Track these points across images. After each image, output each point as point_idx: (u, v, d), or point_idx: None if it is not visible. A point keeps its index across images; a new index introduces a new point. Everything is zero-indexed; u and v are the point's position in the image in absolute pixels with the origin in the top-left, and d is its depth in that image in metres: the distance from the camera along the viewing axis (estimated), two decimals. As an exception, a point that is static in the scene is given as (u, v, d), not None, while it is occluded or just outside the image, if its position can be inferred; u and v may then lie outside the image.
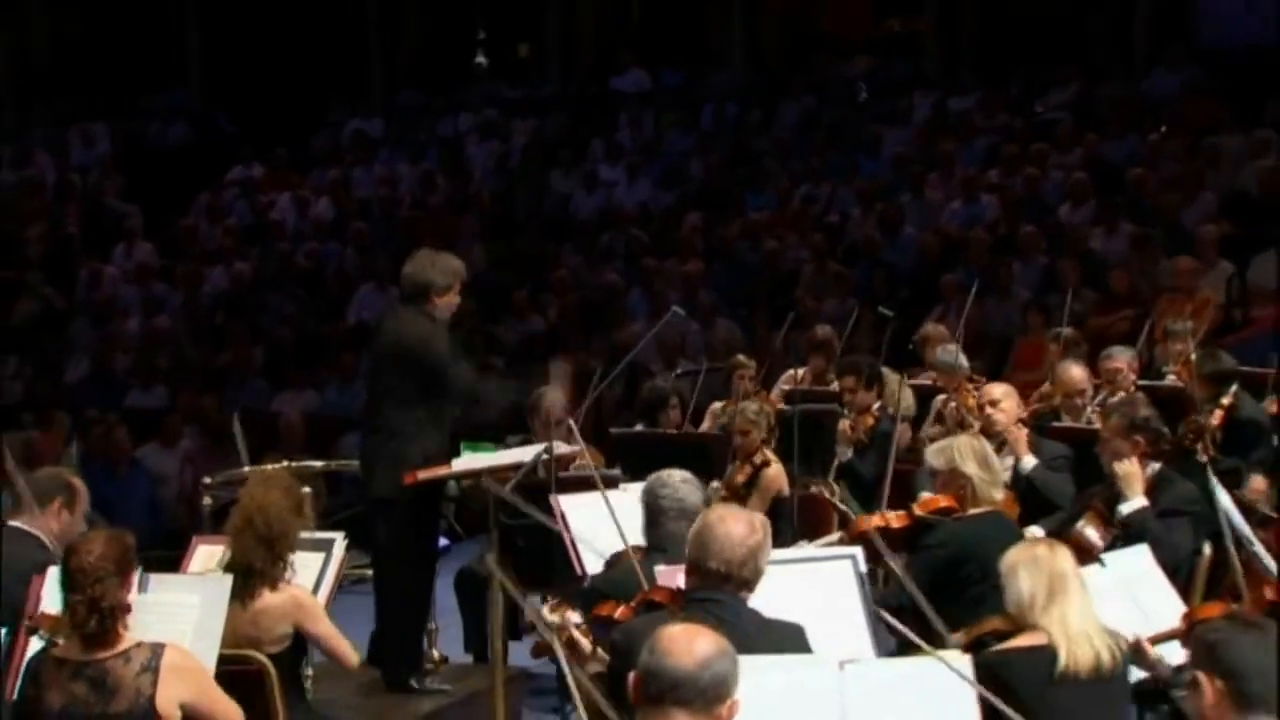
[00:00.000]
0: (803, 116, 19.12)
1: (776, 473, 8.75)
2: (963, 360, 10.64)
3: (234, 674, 5.57)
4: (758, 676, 4.54)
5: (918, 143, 17.74)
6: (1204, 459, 8.16)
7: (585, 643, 5.79)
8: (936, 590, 6.33)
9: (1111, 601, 5.95)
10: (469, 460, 7.88)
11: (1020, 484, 8.29)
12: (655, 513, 6.33)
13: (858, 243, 16.03)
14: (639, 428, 10.15)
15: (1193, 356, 10.62)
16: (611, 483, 7.82)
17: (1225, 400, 9.20)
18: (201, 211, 19.32)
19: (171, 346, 16.23)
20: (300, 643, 6.12)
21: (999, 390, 8.85)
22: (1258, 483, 8.56)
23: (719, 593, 5.01)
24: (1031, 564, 5.32)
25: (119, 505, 11.85)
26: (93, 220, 19.50)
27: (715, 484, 8.60)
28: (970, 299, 11.02)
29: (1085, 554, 6.94)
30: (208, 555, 6.74)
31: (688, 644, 3.99)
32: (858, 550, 6.15)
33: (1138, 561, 6.28)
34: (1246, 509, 7.37)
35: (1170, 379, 10.65)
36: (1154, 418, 7.39)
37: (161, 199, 19.80)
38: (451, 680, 7.78)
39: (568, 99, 20.89)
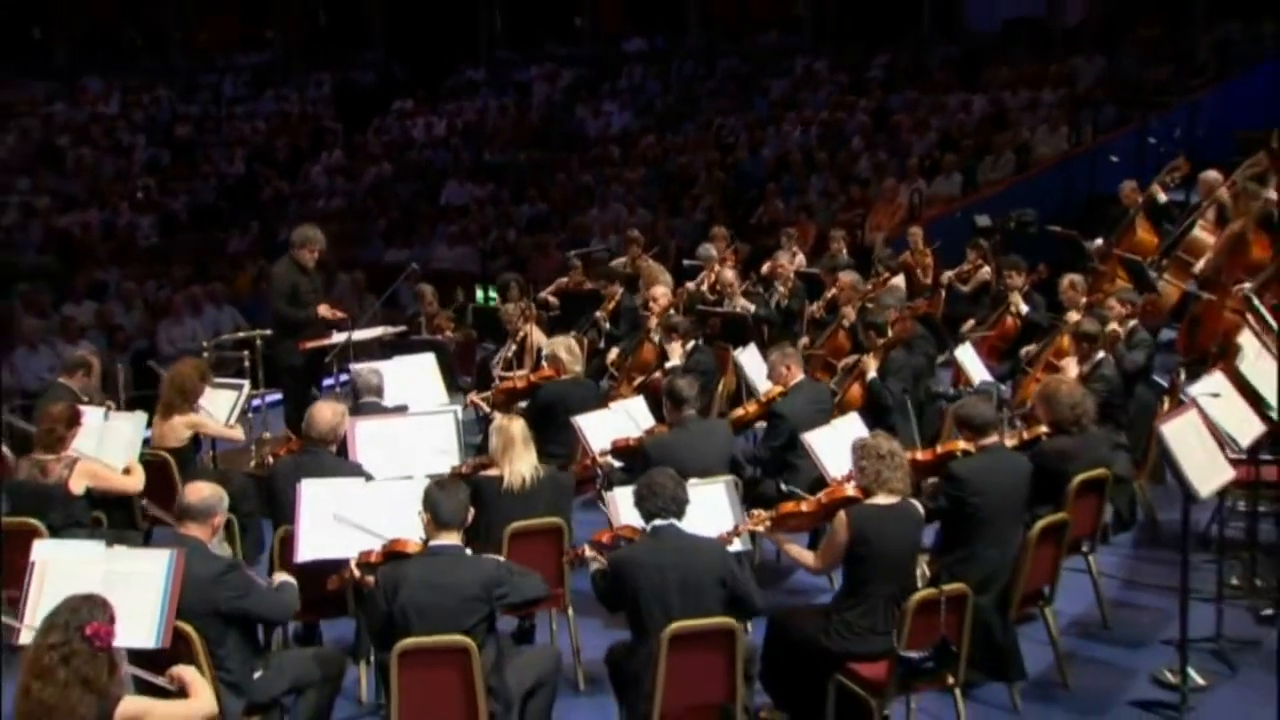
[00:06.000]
0: (729, 71, 19.05)
1: (537, 338, 8.53)
2: (714, 251, 10.76)
3: (153, 462, 6.27)
4: (336, 490, 5.25)
5: (789, 91, 17.72)
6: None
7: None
8: (541, 425, 6.65)
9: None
10: (336, 336, 8.15)
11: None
12: (355, 395, 6.64)
13: (735, 160, 16.17)
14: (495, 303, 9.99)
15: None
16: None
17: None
18: (373, 131, 19.88)
19: (339, 218, 16.72)
20: (196, 441, 6.71)
21: (658, 292, 8.76)
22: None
23: (317, 448, 5.68)
24: (499, 431, 5.61)
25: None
26: (315, 136, 20.06)
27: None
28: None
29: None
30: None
31: (196, 489, 4.63)
32: (457, 408, 6.60)
33: (636, 406, 6.70)
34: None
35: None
36: (685, 321, 7.98)
37: (355, 122, 20.25)
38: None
39: (595, 55, 20.79)
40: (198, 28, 24.24)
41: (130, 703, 3.49)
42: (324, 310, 8.36)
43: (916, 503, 5.00)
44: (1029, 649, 5.41)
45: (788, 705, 5.12)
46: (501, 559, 4.80)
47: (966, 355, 7.74)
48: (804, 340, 9.33)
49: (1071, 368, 7.12)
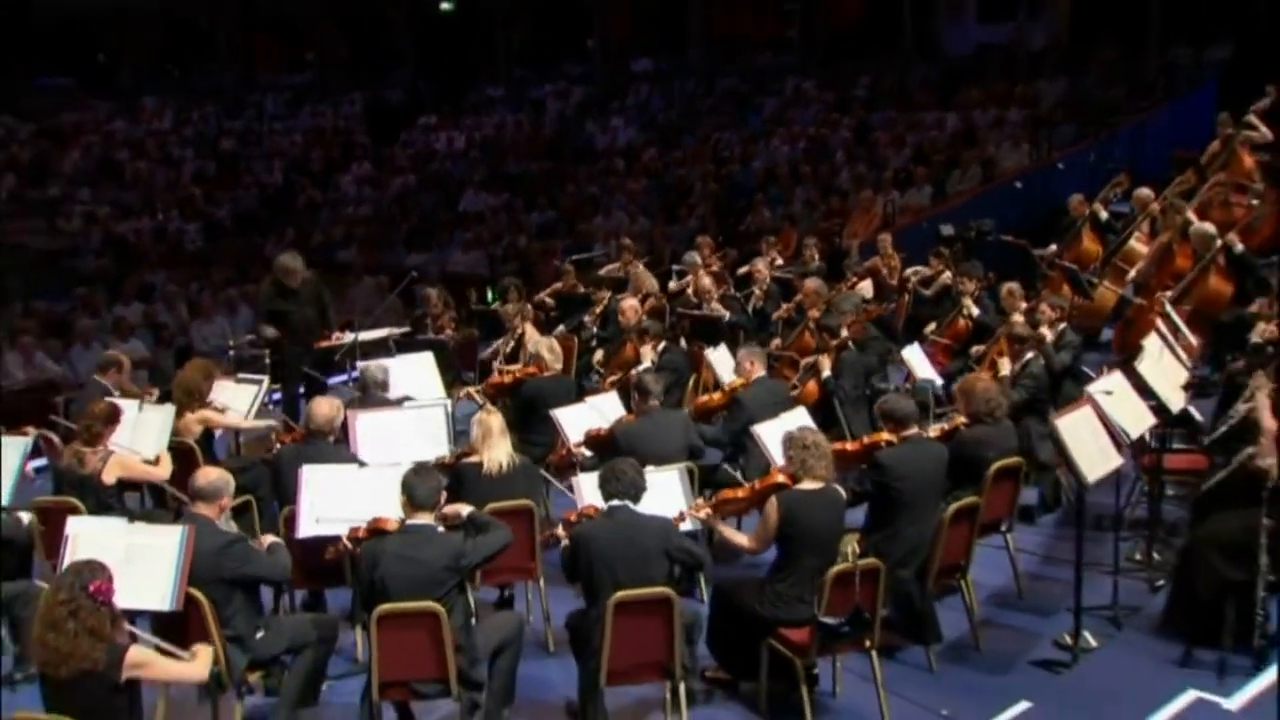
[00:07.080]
0: (727, 90, 19.17)
1: (531, 335, 8.66)
2: (698, 258, 10.82)
3: (178, 448, 6.53)
4: (332, 475, 5.46)
5: (780, 109, 17.80)
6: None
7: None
8: (524, 417, 7.14)
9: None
10: (345, 336, 8.48)
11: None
12: (364, 388, 6.90)
13: (729, 171, 16.33)
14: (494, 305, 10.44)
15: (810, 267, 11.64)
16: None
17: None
18: (400, 144, 20.06)
19: (366, 224, 17.06)
20: (209, 432, 7.00)
21: (625, 305, 8.75)
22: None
23: (319, 439, 5.97)
24: (479, 423, 5.79)
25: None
26: (346, 149, 20.31)
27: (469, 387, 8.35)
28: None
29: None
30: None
31: (205, 474, 4.94)
32: (448, 401, 6.85)
33: (609, 401, 6.94)
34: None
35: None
36: (656, 325, 8.27)
37: (384, 136, 20.50)
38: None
39: (605, 74, 20.94)
40: (243, 52, 24.59)
41: (137, 652, 3.83)
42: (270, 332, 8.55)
43: (839, 488, 5.28)
44: (949, 616, 5.69)
45: (729, 665, 5.41)
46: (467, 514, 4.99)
47: (913, 354, 7.97)
48: (776, 340, 9.51)
49: (1005, 366, 7.37)
